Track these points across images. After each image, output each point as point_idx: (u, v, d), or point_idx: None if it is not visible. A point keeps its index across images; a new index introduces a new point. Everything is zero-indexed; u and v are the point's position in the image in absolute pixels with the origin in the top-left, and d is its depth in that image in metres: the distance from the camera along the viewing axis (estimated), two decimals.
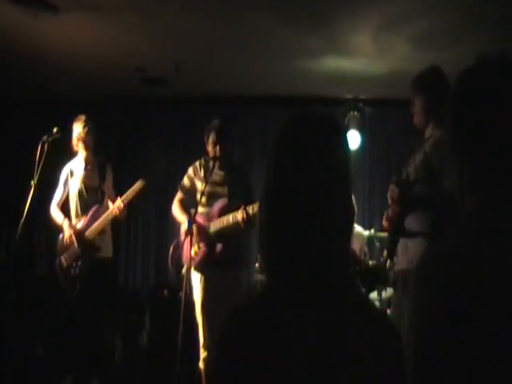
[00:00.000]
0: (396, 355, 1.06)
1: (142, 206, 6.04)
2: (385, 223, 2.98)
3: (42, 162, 3.56)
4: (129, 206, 4.19)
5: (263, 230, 1.16)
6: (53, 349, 4.74)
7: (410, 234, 2.83)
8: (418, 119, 3.03)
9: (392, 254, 2.93)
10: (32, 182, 3.54)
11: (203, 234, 3.77)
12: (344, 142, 1.19)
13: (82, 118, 4.27)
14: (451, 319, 0.96)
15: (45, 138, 3.65)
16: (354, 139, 5.78)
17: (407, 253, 2.84)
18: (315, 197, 1.10)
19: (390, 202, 2.92)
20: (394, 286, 3.12)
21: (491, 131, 1.05)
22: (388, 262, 3.12)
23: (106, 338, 4.32)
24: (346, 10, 4.19)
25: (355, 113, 5.86)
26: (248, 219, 3.54)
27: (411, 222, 2.84)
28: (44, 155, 3.58)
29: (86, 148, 4.28)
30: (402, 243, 2.88)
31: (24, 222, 3.50)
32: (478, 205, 1.07)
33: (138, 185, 4.11)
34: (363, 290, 3.99)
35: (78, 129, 4.24)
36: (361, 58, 5.07)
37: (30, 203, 3.53)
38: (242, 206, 3.56)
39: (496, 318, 0.94)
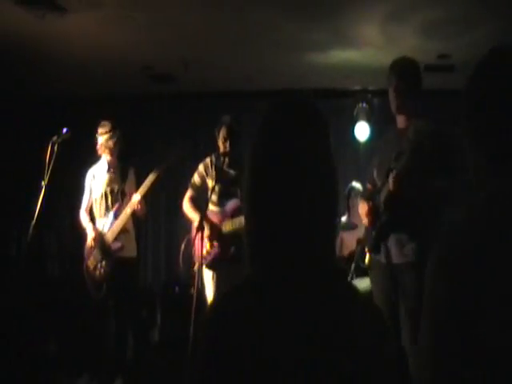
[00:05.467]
0: (383, 340, 1.06)
1: (151, 202, 6.05)
2: (365, 219, 2.98)
3: (51, 163, 3.57)
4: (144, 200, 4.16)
5: (246, 222, 1.18)
6: (68, 348, 4.77)
7: (404, 230, 2.83)
8: (398, 105, 3.07)
9: (377, 248, 2.92)
10: (42, 183, 3.55)
11: (216, 233, 3.77)
12: (321, 128, 1.17)
13: (107, 125, 4.25)
14: (467, 305, 0.95)
15: (54, 138, 3.66)
16: (363, 130, 5.77)
17: (403, 248, 2.84)
18: (290, 186, 1.10)
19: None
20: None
21: (509, 114, 1.03)
22: (367, 254, 3.10)
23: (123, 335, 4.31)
24: (352, 1, 4.15)
25: (364, 104, 5.83)
26: None
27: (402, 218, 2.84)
28: (54, 156, 3.59)
29: (111, 154, 4.30)
30: (394, 238, 2.87)
31: (35, 223, 3.51)
32: (497, 187, 1.04)
33: (151, 177, 4.09)
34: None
35: (103, 137, 4.23)
36: (368, 49, 5.04)
37: (41, 204, 3.54)
38: None
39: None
